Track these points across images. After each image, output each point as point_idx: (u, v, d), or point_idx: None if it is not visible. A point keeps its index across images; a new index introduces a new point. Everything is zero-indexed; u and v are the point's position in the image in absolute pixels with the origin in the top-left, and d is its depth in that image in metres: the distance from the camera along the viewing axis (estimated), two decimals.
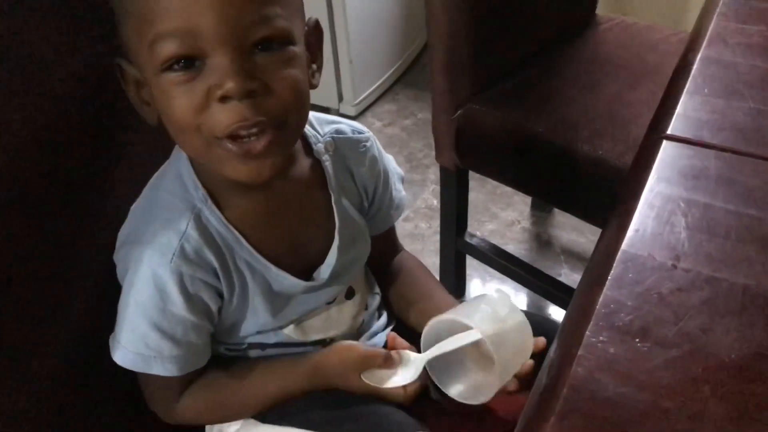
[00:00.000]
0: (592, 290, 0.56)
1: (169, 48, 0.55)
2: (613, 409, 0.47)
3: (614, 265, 0.57)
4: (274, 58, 0.57)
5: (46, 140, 0.62)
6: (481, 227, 1.86)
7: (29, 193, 0.61)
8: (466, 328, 0.67)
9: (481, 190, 1.96)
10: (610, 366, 0.50)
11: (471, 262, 1.62)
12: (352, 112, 2.22)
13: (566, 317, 0.57)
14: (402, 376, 0.71)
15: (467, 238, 1.48)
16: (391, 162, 0.83)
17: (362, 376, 0.71)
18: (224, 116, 0.57)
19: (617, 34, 1.43)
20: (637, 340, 0.51)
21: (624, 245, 0.59)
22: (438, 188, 1.66)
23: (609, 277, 0.56)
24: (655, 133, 0.73)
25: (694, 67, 0.81)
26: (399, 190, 0.84)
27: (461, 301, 0.77)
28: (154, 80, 0.58)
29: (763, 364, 0.49)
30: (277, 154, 0.61)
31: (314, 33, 0.66)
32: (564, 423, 0.46)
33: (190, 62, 0.56)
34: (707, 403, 0.47)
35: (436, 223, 1.74)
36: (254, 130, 0.58)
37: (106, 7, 0.60)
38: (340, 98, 2.21)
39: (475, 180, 1.91)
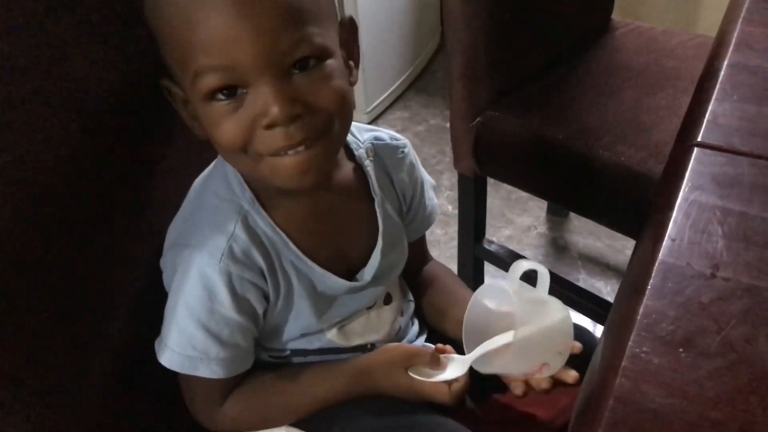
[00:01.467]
0: (632, 301, 0.56)
1: (211, 81, 0.56)
2: (660, 421, 0.47)
3: (653, 275, 0.57)
4: (313, 76, 0.58)
5: (83, 156, 0.62)
6: (497, 233, 1.86)
7: (68, 208, 0.62)
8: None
9: (496, 196, 1.96)
10: (655, 377, 0.49)
11: (488, 269, 1.62)
12: (365, 119, 2.23)
13: (606, 328, 0.57)
14: (448, 373, 0.70)
15: (485, 245, 1.48)
16: (423, 170, 0.84)
17: (408, 372, 0.71)
18: (272, 141, 0.58)
19: (634, 40, 1.43)
20: (681, 350, 0.51)
21: (661, 255, 0.59)
22: (452, 194, 1.66)
23: (648, 287, 0.56)
24: (686, 141, 0.73)
25: (722, 73, 0.81)
26: (432, 198, 0.85)
27: None
28: (199, 107, 0.59)
29: None
30: (323, 162, 0.62)
31: (349, 29, 0.66)
32: None
33: (233, 91, 0.57)
34: (755, 413, 0.47)
35: (452, 230, 1.74)
36: (301, 148, 0.59)
37: (140, 24, 0.61)
38: (353, 107, 2.21)
39: (490, 186, 1.90)
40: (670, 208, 0.64)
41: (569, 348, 0.68)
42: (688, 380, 0.49)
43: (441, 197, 1.99)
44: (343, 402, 0.73)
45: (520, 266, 0.68)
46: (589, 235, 1.83)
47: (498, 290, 0.70)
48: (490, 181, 1.41)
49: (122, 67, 0.64)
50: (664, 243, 0.60)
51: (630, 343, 0.52)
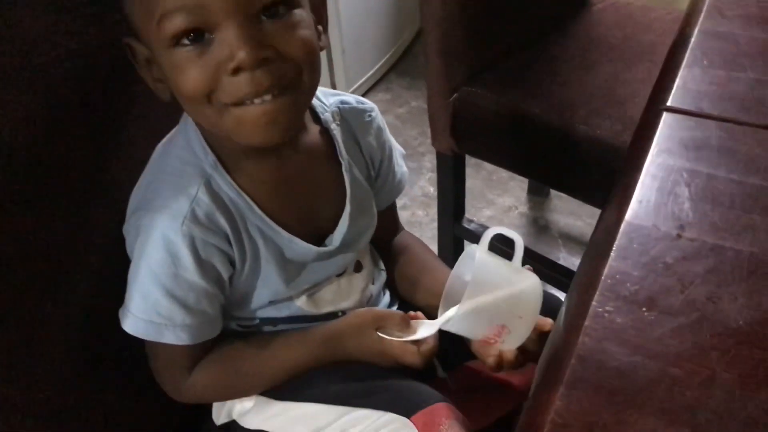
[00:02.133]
0: (597, 261, 0.56)
1: (177, 23, 0.55)
2: (621, 378, 0.46)
3: (618, 236, 0.57)
4: (281, 23, 0.57)
5: (41, 123, 0.61)
6: (478, 213, 1.85)
7: (27, 177, 0.60)
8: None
9: (477, 177, 1.95)
10: (618, 335, 0.49)
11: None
12: None
13: (571, 289, 0.57)
14: (417, 334, 0.70)
15: (465, 224, 1.48)
16: (392, 138, 0.83)
17: (378, 333, 0.70)
18: (237, 87, 0.57)
19: (611, 15, 1.43)
20: (644, 309, 0.51)
21: (628, 216, 0.59)
22: (434, 176, 1.65)
23: (614, 248, 0.56)
24: (655, 105, 0.73)
25: (692, 39, 0.81)
26: (401, 165, 0.84)
27: None
28: (164, 56, 0.58)
29: None
30: (291, 115, 0.61)
31: None
32: (572, 393, 0.46)
33: (199, 36, 0.56)
34: (716, 369, 0.47)
35: (433, 211, 1.73)
36: (268, 96, 0.58)
37: None
38: (333, 87, 2.19)
39: (471, 167, 1.91)
40: (638, 170, 0.64)
41: (533, 315, 0.67)
42: (651, 338, 0.49)
43: (422, 179, 1.99)
44: (313, 369, 0.72)
45: (492, 231, 0.68)
46: (569, 214, 1.83)
47: (472, 258, 0.69)
48: (471, 162, 1.40)
49: (79, 31, 0.62)
50: (631, 205, 0.60)
51: (593, 302, 0.52)
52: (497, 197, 1.91)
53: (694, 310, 0.51)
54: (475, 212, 1.85)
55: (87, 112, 0.66)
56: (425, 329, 0.70)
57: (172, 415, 0.81)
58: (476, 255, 0.66)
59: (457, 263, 0.71)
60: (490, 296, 0.64)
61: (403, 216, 1.85)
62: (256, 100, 0.58)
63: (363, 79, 2.27)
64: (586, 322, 0.50)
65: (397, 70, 2.45)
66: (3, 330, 0.60)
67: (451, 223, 1.47)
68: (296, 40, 0.58)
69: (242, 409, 0.75)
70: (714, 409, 0.44)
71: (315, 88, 0.65)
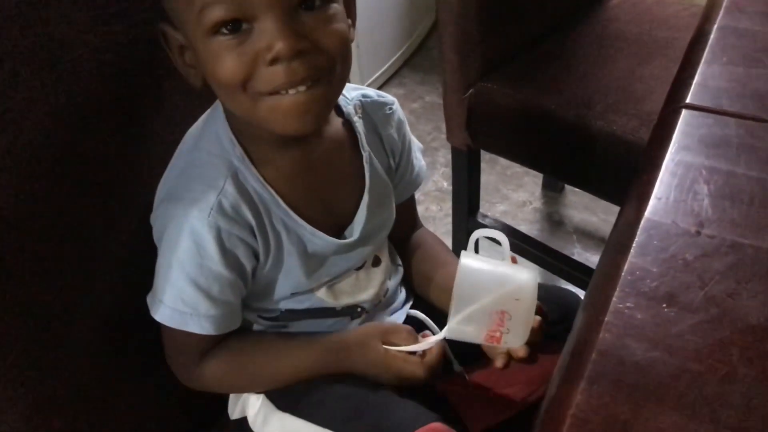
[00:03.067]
0: (617, 258, 0.56)
1: (217, 13, 0.56)
2: (641, 373, 0.47)
3: (638, 232, 0.57)
4: (319, 16, 0.58)
5: (68, 118, 0.62)
6: (493, 209, 1.86)
7: (52, 167, 0.62)
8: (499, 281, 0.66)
9: (492, 172, 1.96)
10: (638, 331, 0.50)
11: (483, 243, 1.62)
12: None
13: (591, 285, 0.57)
14: (420, 345, 0.70)
15: (479, 219, 1.48)
16: (410, 132, 0.84)
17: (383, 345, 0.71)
18: (273, 77, 0.58)
19: (627, 10, 1.42)
20: (664, 305, 0.51)
21: (647, 213, 0.59)
22: (448, 171, 1.66)
23: (633, 245, 0.56)
24: (674, 103, 0.73)
25: (711, 36, 0.81)
26: (419, 159, 0.85)
27: None
28: (202, 44, 0.59)
29: None
30: (322, 106, 0.62)
31: None
32: (593, 388, 0.46)
33: (238, 25, 0.57)
34: (736, 365, 0.47)
35: (447, 206, 1.74)
36: (302, 87, 0.59)
37: None
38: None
39: (485, 162, 1.91)
40: (657, 168, 0.64)
41: (527, 311, 0.65)
42: (671, 334, 0.50)
43: (436, 174, 1.99)
44: (318, 376, 0.73)
45: (476, 235, 0.68)
46: (584, 209, 1.83)
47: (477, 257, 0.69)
48: (486, 157, 1.40)
49: (104, 28, 0.63)
50: (651, 202, 0.60)
51: (614, 298, 0.52)
52: (512, 192, 1.91)
53: (714, 306, 0.51)
54: (489, 207, 1.85)
55: (113, 107, 0.67)
56: (429, 341, 0.70)
57: (190, 407, 0.82)
58: (460, 262, 0.66)
59: (462, 261, 0.71)
60: (477, 304, 0.64)
61: (418, 211, 1.85)
62: (291, 90, 0.59)
63: (377, 74, 2.28)
64: (607, 318, 0.51)
65: (410, 65, 2.45)
66: (29, 320, 0.62)
67: (465, 218, 1.48)
68: (332, 33, 0.59)
69: (252, 409, 0.76)
70: (734, 404, 0.45)
71: (346, 80, 0.66)
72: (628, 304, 0.52)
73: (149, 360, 0.74)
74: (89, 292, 0.67)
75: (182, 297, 0.66)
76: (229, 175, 0.65)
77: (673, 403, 0.45)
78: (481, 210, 1.51)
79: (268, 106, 0.60)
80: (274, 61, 0.57)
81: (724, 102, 0.71)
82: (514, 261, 0.69)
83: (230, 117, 0.67)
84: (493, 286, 0.65)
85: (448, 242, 1.57)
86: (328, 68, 0.60)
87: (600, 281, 0.56)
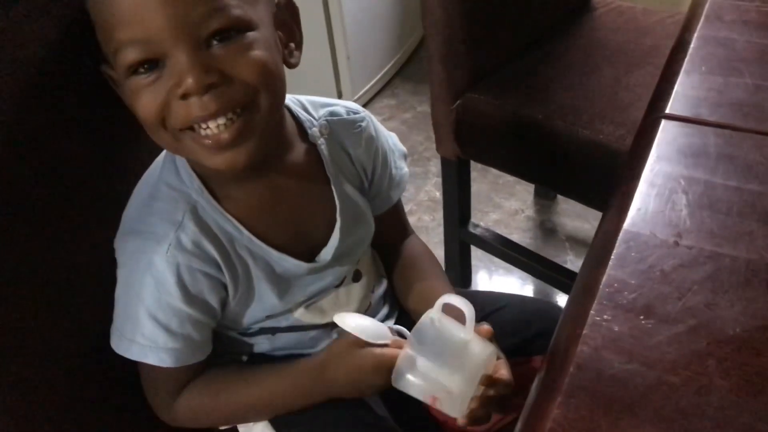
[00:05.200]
0: (595, 270, 0.56)
1: (129, 55, 0.57)
2: (619, 386, 0.47)
3: (617, 244, 0.57)
4: (232, 47, 0.58)
5: (41, 136, 0.62)
6: (485, 218, 1.86)
7: (26, 191, 0.62)
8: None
9: (484, 181, 1.96)
10: (615, 344, 0.50)
11: (476, 253, 1.62)
12: None
13: (570, 298, 0.58)
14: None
15: (471, 228, 1.48)
16: (390, 138, 0.83)
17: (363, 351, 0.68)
18: (186, 112, 0.58)
19: (613, 19, 1.43)
20: (642, 317, 0.52)
21: (626, 225, 0.59)
22: (440, 180, 1.66)
23: (612, 257, 0.56)
24: (654, 113, 0.73)
25: (691, 45, 0.81)
26: (400, 168, 0.83)
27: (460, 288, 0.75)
28: (125, 83, 0.59)
29: (767, 336, 0.50)
30: (251, 139, 0.60)
31: (286, 11, 0.66)
32: (571, 401, 0.46)
33: (153, 64, 0.57)
34: (712, 377, 0.47)
35: (440, 215, 1.74)
36: (221, 120, 0.58)
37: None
38: (339, 95, 2.21)
39: (477, 171, 1.91)
40: (636, 178, 0.64)
41: (465, 388, 0.65)
42: (648, 346, 0.50)
43: (429, 184, 1.99)
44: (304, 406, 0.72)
45: (444, 300, 0.66)
46: (576, 217, 1.83)
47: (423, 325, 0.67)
48: (478, 166, 1.40)
49: (76, 47, 0.63)
50: (630, 212, 0.61)
51: (591, 311, 0.52)
52: (504, 201, 1.91)
53: (691, 317, 0.51)
54: (481, 216, 1.86)
55: (87, 127, 0.67)
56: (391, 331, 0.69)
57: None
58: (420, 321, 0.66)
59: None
60: (417, 372, 0.64)
61: (410, 221, 1.85)
62: (211, 124, 0.58)
63: (369, 86, 2.28)
64: (585, 331, 0.51)
65: (402, 75, 2.45)
66: (10, 338, 0.61)
67: (456, 227, 1.48)
68: (246, 63, 0.58)
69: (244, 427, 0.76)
70: (710, 416, 0.45)
71: (276, 109, 0.64)
72: (605, 317, 0.52)
73: (132, 380, 0.73)
74: (68, 309, 0.67)
75: (141, 330, 0.65)
76: (188, 209, 0.65)
77: (650, 416, 0.45)
78: (473, 219, 1.52)
79: (189, 143, 0.60)
80: (185, 96, 0.57)
81: (703, 111, 0.71)
82: (486, 333, 0.68)
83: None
84: (432, 362, 0.64)
85: (440, 252, 1.57)
86: (246, 100, 0.59)
87: (579, 294, 0.57)
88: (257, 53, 0.59)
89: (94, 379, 0.72)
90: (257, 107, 0.60)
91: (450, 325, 0.66)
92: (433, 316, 0.66)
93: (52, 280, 0.65)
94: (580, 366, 0.49)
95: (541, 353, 0.77)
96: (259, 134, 0.61)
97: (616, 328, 0.51)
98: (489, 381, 0.66)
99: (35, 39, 0.60)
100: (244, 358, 0.77)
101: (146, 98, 0.58)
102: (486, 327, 0.68)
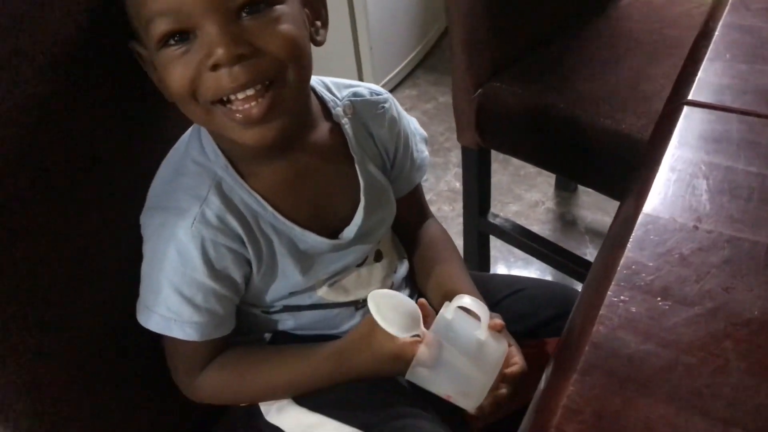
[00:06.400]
0: (614, 252, 0.56)
1: (161, 26, 0.58)
2: (634, 365, 0.47)
3: (635, 227, 0.58)
4: (261, 19, 0.58)
5: (71, 114, 0.63)
6: (505, 209, 1.86)
7: (56, 167, 0.63)
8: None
9: (504, 173, 1.96)
10: (632, 324, 0.50)
11: (495, 243, 1.62)
12: None
13: (588, 279, 0.58)
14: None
15: (490, 218, 1.48)
16: (412, 123, 0.83)
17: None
18: (216, 83, 0.58)
19: (639, 9, 1.42)
20: (659, 298, 0.52)
21: (645, 208, 0.59)
22: (460, 171, 1.66)
23: (630, 239, 0.56)
24: (676, 99, 0.73)
25: (716, 33, 0.81)
26: (421, 151, 0.84)
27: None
28: (156, 56, 0.60)
29: None
30: (280, 115, 0.61)
31: None
32: (586, 379, 0.47)
33: (185, 36, 0.58)
34: (729, 358, 0.47)
35: (459, 206, 1.74)
36: (250, 91, 0.59)
37: None
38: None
39: (498, 162, 1.91)
40: (657, 163, 0.64)
41: (482, 387, 0.66)
42: (665, 327, 0.50)
43: (449, 174, 1.99)
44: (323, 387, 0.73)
45: (458, 302, 0.67)
46: (597, 209, 1.83)
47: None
48: (499, 157, 1.40)
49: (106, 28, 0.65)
50: (649, 197, 0.61)
51: (609, 292, 0.53)
52: (524, 192, 1.91)
53: (709, 300, 0.51)
54: (501, 207, 1.85)
55: (110, 103, 0.68)
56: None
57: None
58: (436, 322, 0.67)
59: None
60: (433, 369, 0.65)
61: (431, 210, 1.85)
62: (240, 96, 0.59)
63: (390, 76, 2.29)
64: (601, 311, 0.51)
65: (424, 66, 2.45)
66: (28, 322, 0.62)
67: (476, 218, 1.48)
68: (275, 36, 0.59)
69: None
70: (726, 396, 0.45)
71: (304, 84, 0.65)
72: (622, 298, 0.52)
73: (156, 355, 0.75)
74: (93, 284, 0.68)
75: (166, 303, 0.66)
76: (213, 184, 0.66)
77: (665, 396, 0.45)
78: (493, 210, 1.51)
79: (221, 117, 0.61)
80: (215, 67, 0.58)
81: (726, 98, 0.71)
82: (498, 327, 0.69)
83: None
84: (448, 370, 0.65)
85: (459, 243, 1.57)
86: (275, 72, 0.60)
87: (596, 275, 0.57)
88: (286, 26, 0.60)
89: (117, 353, 0.73)
90: (285, 81, 0.61)
91: (466, 323, 0.67)
92: (448, 315, 0.67)
93: (78, 255, 0.67)
94: (596, 345, 0.49)
95: (557, 335, 0.77)
96: (288, 110, 0.62)
97: (633, 309, 0.51)
98: (504, 378, 0.67)
99: (64, 16, 0.61)
100: (268, 335, 0.78)
101: (177, 70, 0.59)
102: (498, 321, 0.69)
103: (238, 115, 0.60)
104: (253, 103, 0.59)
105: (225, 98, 0.60)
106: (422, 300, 0.71)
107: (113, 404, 0.73)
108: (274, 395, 0.76)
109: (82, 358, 0.68)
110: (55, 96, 0.61)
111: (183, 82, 0.59)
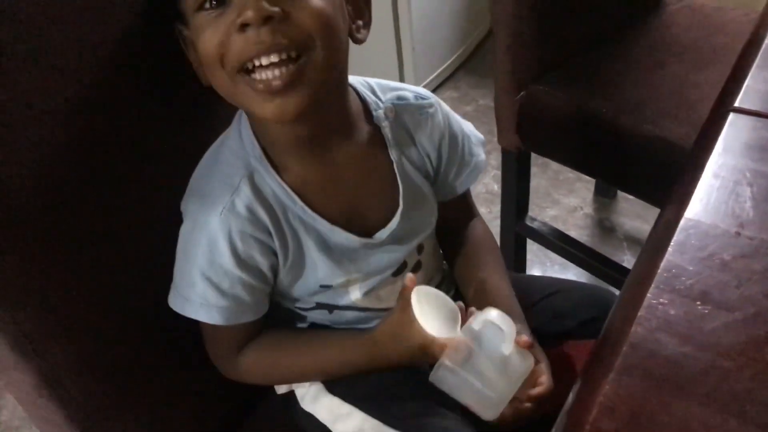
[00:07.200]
0: (654, 255, 0.57)
1: None
2: (671, 367, 0.48)
3: (677, 231, 0.58)
4: None
5: (123, 103, 0.66)
6: (543, 213, 1.85)
7: (110, 155, 0.66)
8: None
9: (543, 177, 1.95)
10: (670, 326, 0.50)
11: (531, 247, 1.62)
12: None
13: (627, 281, 0.58)
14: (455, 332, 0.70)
15: (528, 222, 1.48)
16: (466, 125, 0.83)
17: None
18: (242, 45, 0.59)
19: (685, 16, 1.41)
20: (698, 303, 0.52)
21: (687, 213, 0.59)
22: (499, 173, 1.67)
23: (671, 243, 0.57)
24: (723, 106, 0.73)
25: (766, 41, 0.80)
26: (476, 154, 0.83)
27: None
28: (192, 23, 0.61)
29: None
30: (301, 89, 0.60)
31: None
32: (622, 378, 0.47)
33: (221, 1, 0.59)
34: None
35: (497, 208, 1.74)
36: (274, 58, 0.59)
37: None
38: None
39: (537, 166, 1.90)
40: (700, 169, 0.64)
41: (502, 399, 0.67)
42: (703, 331, 0.50)
43: (487, 176, 1.99)
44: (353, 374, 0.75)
45: (486, 317, 0.68)
46: (636, 217, 1.81)
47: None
48: (538, 161, 1.39)
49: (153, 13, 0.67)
50: (691, 202, 0.61)
51: (648, 294, 0.53)
52: (563, 197, 1.90)
53: (750, 305, 0.51)
54: (539, 212, 1.85)
55: (149, 102, 0.70)
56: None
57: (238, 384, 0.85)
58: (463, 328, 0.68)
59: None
60: (457, 376, 0.66)
61: None
62: (263, 60, 0.59)
63: (432, 77, 2.30)
64: (640, 313, 0.52)
65: (465, 68, 2.46)
66: (68, 306, 0.64)
67: (514, 221, 1.48)
68: (307, 6, 0.59)
69: (302, 387, 0.79)
70: (763, 402, 0.45)
71: (332, 66, 0.63)
72: (662, 300, 0.52)
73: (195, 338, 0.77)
74: (143, 267, 0.71)
75: (194, 288, 0.68)
76: (245, 174, 0.67)
77: (701, 398, 0.46)
78: (531, 214, 1.51)
79: (243, 87, 0.61)
80: (243, 27, 0.58)
81: None
82: (525, 345, 0.69)
83: (251, 117, 0.69)
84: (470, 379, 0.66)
85: None
86: (302, 43, 0.59)
87: (636, 277, 0.57)
88: (320, 4, 0.60)
89: (166, 339, 0.76)
90: (311, 57, 0.60)
91: (493, 336, 0.68)
92: (475, 326, 0.68)
93: (129, 239, 0.69)
94: (634, 345, 0.49)
95: (593, 337, 0.77)
96: (311, 86, 0.61)
97: (672, 312, 0.51)
98: (527, 397, 0.68)
99: (126, 8, 0.64)
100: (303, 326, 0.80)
101: (208, 33, 0.60)
102: (525, 338, 0.69)
103: (260, 85, 0.60)
104: (276, 72, 0.59)
105: (250, 66, 0.60)
106: (460, 304, 0.72)
107: (161, 385, 0.76)
108: (305, 378, 0.78)
109: (131, 340, 0.71)
110: (114, 88, 0.64)
111: (212, 45, 0.60)
